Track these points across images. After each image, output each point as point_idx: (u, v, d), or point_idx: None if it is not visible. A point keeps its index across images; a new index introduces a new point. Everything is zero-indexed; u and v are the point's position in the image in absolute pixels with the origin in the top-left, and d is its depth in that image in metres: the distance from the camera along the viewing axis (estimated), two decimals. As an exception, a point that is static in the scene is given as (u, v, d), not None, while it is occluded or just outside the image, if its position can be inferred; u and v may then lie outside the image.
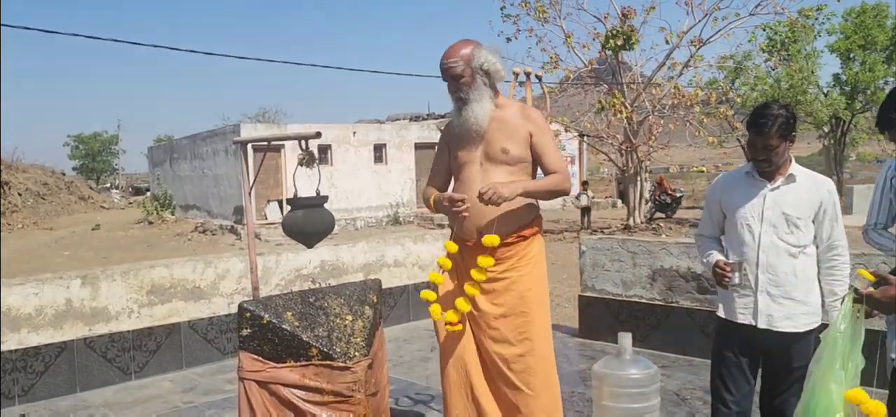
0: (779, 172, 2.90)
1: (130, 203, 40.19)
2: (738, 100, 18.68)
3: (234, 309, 5.92)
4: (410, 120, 31.99)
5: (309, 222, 3.04)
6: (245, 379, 2.69)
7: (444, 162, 3.30)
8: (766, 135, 2.80)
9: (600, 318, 6.22)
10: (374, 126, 27.76)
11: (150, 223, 25.01)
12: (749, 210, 2.92)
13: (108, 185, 59.83)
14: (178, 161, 28.11)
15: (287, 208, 3.13)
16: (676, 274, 5.74)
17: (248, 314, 2.73)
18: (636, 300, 5.99)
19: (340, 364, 2.70)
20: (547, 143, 3.07)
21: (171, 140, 31.74)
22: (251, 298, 2.94)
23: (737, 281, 2.89)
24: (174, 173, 28.53)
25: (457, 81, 3.05)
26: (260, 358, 2.69)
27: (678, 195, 22.45)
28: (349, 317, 2.84)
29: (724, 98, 17.76)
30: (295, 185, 3.05)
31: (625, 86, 17.84)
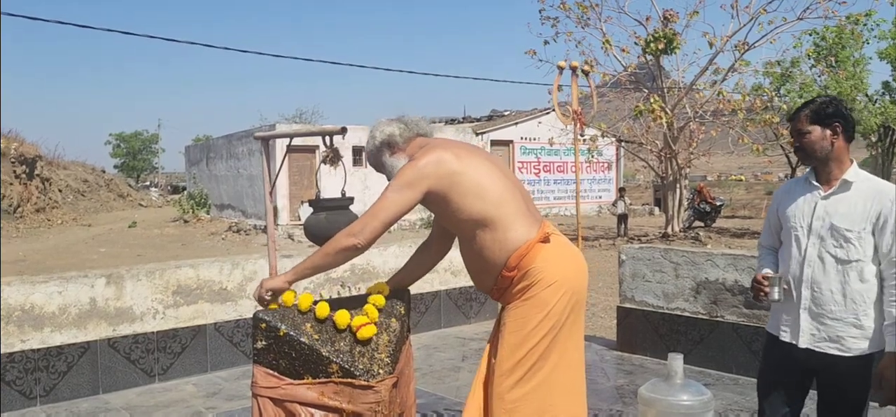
0: (834, 178, 2.65)
1: (168, 201, 40.68)
2: (784, 107, 18.10)
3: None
4: (445, 123, 31.80)
5: (332, 225, 2.81)
6: (259, 396, 2.49)
7: None
8: (797, 119, 2.67)
9: (640, 331, 5.95)
10: (408, 128, 27.58)
11: (186, 222, 25.21)
12: (798, 219, 2.70)
13: (148, 183, 60.71)
14: (214, 160, 28.31)
15: (309, 210, 2.89)
16: (722, 287, 5.44)
17: (264, 325, 2.52)
18: (678, 313, 5.70)
19: (363, 383, 2.47)
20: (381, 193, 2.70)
21: (208, 139, 32.04)
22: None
23: (776, 296, 2.66)
24: (210, 172, 28.74)
25: (381, 173, 2.91)
26: (275, 374, 2.49)
27: (718, 203, 21.90)
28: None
29: (769, 105, 17.21)
30: (317, 186, 2.83)
31: (665, 91, 17.41)
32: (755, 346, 5.18)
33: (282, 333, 2.52)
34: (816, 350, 2.63)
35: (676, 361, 2.74)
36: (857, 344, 2.59)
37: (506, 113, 33.55)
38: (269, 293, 2.67)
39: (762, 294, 2.69)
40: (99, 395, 5.12)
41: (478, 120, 32.73)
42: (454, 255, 7.62)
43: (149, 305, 5.40)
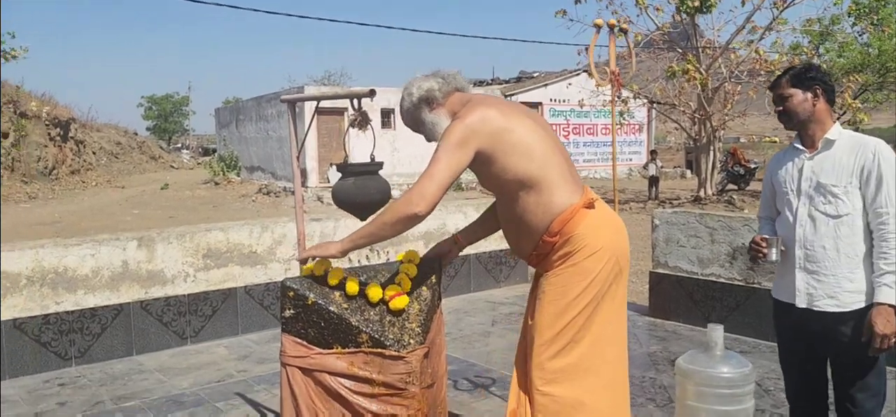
0: (817, 139, 2.71)
1: (199, 163, 41.07)
2: (824, 66, 17.54)
3: (291, 275, 5.77)
4: (474, 85, 31.54)
5: (361, 191, 2.71)
6: (288, 365, 2.45)
7: None
8: (779, 85, 2.75)
9: (673, 297, 5.84)
10: (437, 90, 27.32)
11: (217, 184, 25.42)
12: (788, 183, 2.77)
13: (180, 146, 61.26)
14: (244, 122, 28.43)
15: (337, 175, 2.82)
16: (760, 253, 5.30)
17: (292, 293, 2.47)
18: (713, 279, 5.58)
19: (393, 353, 2.41)
20: (432, 156, 2.55)
21: (238, 101, 32.12)
22: (299, 274, 2.68)
23: (773, 257, 2.71)
24: (240, 135, 28.88)
25: (419, 132, 2.75)
26: (304, 343, 2.44)
27: (752, 166, 21.47)
28: (404, 299, 2.57)
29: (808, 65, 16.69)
30: (345, 150, 2.74)
31: (700, 51, 17.00)
32: (793, 314, 5.06)
33: (310, 302, 2.46)
34: (815, 309, 2.66)
35: (716, 332, 2.65)
36: (852, 297, 2.62)
37: (535, 74, 33.15)
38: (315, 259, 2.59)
39: (760, 255, 2.75)
40: (133, 356, 5.18)
41: (506, 81, 32.39)
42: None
43: (180, 268, 5.42)
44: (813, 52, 17.98)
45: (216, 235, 5.60)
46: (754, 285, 5.33)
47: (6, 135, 22.70)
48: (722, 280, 5.52)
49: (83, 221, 16.74)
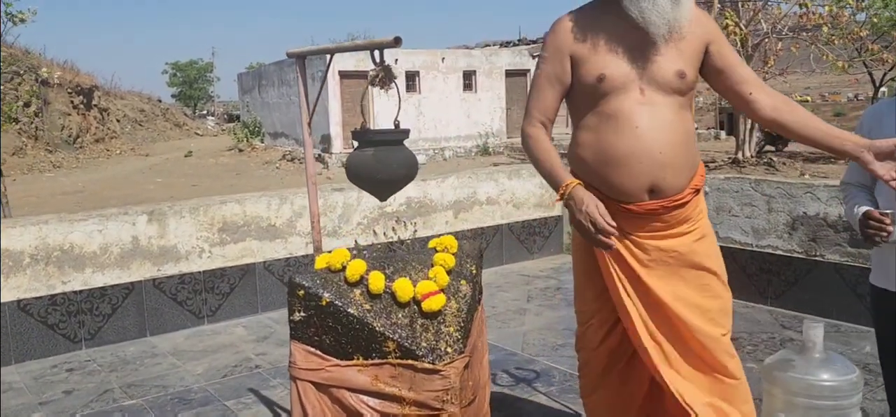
0: None
1: (223, 130, 40.92)
2: (875, 19, 16.60)
3: (312, 250, 5.40)
4: (500, 46, 30.80)
5: (381, 165, 2.20)
6: (298, 379, 2.02)
7: (554, 84, 2.19)
8: None
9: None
10: (463, 52, 26.75)
11: (240, 151, 25.19)
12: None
13: (205, 112, 61.20)
14: (267, 88, 28.01)
15: (353, 145, 2.32)
16: (824, 222, 4.82)
17: (302, 292, 2.03)
18: (770, 251, 5.11)
19: (427, 366, 1.96)
20: (730, 52, 2.27)
21: (260, 67, 31.69)
22: (312, 257, 2.26)
23: None
24: (263, 100, 28.49)
25: None
26: (318, 353, 2.01)
27: (791, 126, 20.64)
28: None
29: (853, 19, 15.79)
30: (362, 115, 2.25)
31: (740, 5, 16.20)
32: (861, 289, 4.60)
33: (324, 302, 2.02)
34: None
35: (815, 331, 2.19)
36: None
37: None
38: None
39: (883, 233, 2.21)
40: (146, 338, 4.88)
41: (534, 42, 31.58)
42: (515, 185, 7.05)
43: (194, 243, 5.08)
44: (859, 4, 17.07)
45: (232, 208, 5.24)
46: (816, 258, 4.86)
47: (28, 104, 22.58)
48: (779, 252, 5.06)
49: (106, 190, 16.59)
